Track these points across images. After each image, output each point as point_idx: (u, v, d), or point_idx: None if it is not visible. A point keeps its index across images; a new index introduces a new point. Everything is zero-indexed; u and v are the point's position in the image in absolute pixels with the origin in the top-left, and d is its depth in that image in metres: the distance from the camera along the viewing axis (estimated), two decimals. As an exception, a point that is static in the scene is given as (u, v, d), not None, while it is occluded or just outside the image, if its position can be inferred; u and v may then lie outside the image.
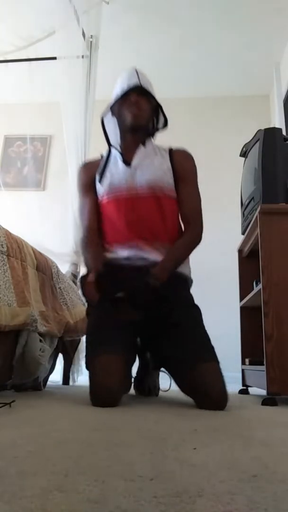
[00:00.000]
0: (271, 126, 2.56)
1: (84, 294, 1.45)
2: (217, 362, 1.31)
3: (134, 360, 1.50)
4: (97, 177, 1.58)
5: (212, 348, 1.34)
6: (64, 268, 2.38)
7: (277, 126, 2.80)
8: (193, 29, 3.42)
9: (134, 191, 1.51)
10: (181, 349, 1.31)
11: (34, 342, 1.48)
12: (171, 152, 1.61)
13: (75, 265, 2.55)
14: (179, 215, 1.59)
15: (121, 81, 1.58)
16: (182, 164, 1.59)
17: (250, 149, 2.06)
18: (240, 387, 2.13)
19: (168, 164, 1.57)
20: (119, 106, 1.58)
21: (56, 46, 2.82)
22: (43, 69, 3.58)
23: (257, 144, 1.92)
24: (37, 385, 1.70)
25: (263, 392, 1.56)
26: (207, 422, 0.99)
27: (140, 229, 1.48)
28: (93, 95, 2.78)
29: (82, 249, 1.61)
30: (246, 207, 2.08)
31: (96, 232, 1.57)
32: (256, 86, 3.99)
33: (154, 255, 1.47)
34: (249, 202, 1.99)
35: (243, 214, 2.17)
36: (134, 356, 1.49)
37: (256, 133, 2.01)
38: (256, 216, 1.73)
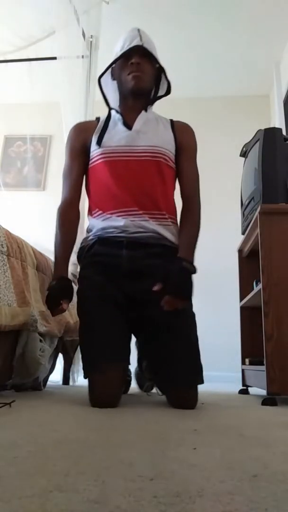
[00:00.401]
0: (271, 126, 2.56)
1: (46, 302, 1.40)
2: (200, 382, 1.29)
3: (130, 352, 1.46)
4: (94, 138, 1.46)
5: (199, 366, 1.30)
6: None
7: (277, 126, 2.80)
8: (193, 29, 3.42)
9: (135, 154, 1.42)
10: (169, 365, 1.27)
11: (34, 342, 1.48)
12: (173, 123, 1.54)
13: (75, 265, 2.55)
14: (180, 188, 1.52)
15: (122, 41, 1.47)
16: (184, 137, 1.52)
17: (250, 149, 2.06)
18: (240, 387, 2.13)
19: (170, 134, 1.50)
20: (119, 69, 1.47)
21: (56, 46, 2.82)
22: (43, 69, 3.58)
23: (257, 144, 1.92)
24: (37, 385, 1.69)
25: (263, 392, 1.56)
26: (207, 422, 0.99)
27: (139, 195, 1.39)
28: (93, 95, 2.78)
29: (56, 230, 1.46)
30: (246, 207, 2.08)
31: (74, 207, 1.49)
32: (256, 86, 3.98)
33: (153, 225, 1.38)
34: (249, 202, 1.99)
35: (243, 214, 2.17)
36: (129, 347, 1.40)
37: (256, 133, 2.01)
38: (256, 216, 1.73)
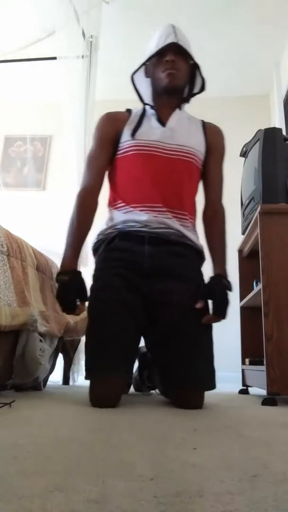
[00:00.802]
0: (271, 126, 2.56)
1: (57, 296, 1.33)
2: (213, 387, 1.28)
3: (136, 356, 1.44)
4: (126, 129, 1.43)
5: (212, 371, 1.29)
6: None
7: (277, 126, 2.80)
8: (193, 29, 3.41)
9: (167, 151, 1.40)
10: (182, 369, 1.24)
11: (34, 342, 1.48)
12: (204, 124, 1.53)
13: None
14: (205, 190, 1.53)
15: (156, 38, 1.45)
16: (214, 139, 1.51)
17: (250, 149, 2.06)
18: (240, 387, 2.13)
19: (202, 135, 1.49)
20: (153, 66, 1.45)
21: (56, 46, 2.82)
22: (43, 69, 3.59)
23: (257, 144, 1.92)
24: (37, 385, 1.69)
25: (263, 392, 1.56)
26: (207, 422, 0.99)
27: (166, 192, 1.38)
28: (93, 95, 2.78)
29: (72, 217, 1.42)
30: (246, 207, 2.08)
31: (95, 195, 1.43)
32: (256, 86, 3.99)
33: (175, 224, 1.37)
34: (249, 202, 1.99)
35: (243, 214, 2.17)
36: (136, 352, 1.39)
37: (256, 133, 2.01)
38: (256, 216, 1.73)
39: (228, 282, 1.37)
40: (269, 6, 3.14)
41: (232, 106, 3.97)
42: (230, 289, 1.36)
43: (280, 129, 1.93)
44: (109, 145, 1.45)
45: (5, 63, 3.32)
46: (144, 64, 1.48)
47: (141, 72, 1.50)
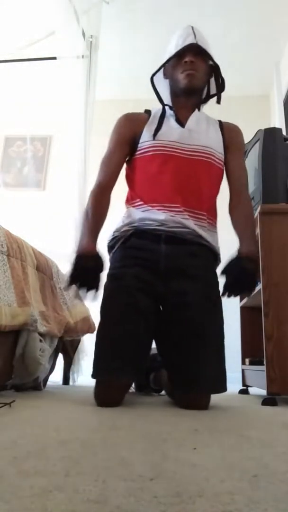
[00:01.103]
0: (271, 126, 2.56)
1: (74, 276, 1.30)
2: (224, 390, 1.27)
3: (147, 359, 1.41)
4: (146, 130, 1.44)
5: (223, 374, 1.29)
6: (64, 268, 2.38)
7: (277, 126, 2.80)
8: (193, 29, 3.42)
9: (187, 152, 1.40)
10: (194, 371, 1.24)
11: (34, 342, 1.48)
12: (221, 124, 1.55)
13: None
14: (229, 183, 1.53)
15: (176, 39, 1.45)
16: (231, 135, 1.52)
17: (250, 149, 2.06)
18: (240, 387, 2.13)
19: (219, 135, 1.50)
20: (172, 67, 1.45)
21: (56, 46, 2.82)
22: (43, 69, 3.59)
23: (257, 144, 1.92)
24: (37, 385, 1.69)
25: (263, 392, 1.56)
26: (207, 422, 0.99)
27: (184, 192, 1.38)
28: (93, 95, 2.78)
29: (85, 211, 1.42)
30: (246, 207, 2.08)
31: (107, 193, 1.44)
32: (256, 86, 3.99)
33: (192, 224, 1.37)
34: (249, 202, 1.99)
35: (243, 214, 2.16)
36: (146, 356, 1.35)
37: (256, 133, 2.01)
38: (256, 216, 1.73)
39: (251, 262, 1.35)
40: (269, 6, 3.14)
41: (232, 106, 3.96)
42: (250, 271, 1.35)
43: (280, 129, 1.93)
44: (126, 145, 1.47)
45: (5, 63, 3.32)
46: (163, 65, 1.48)
47: (160, 73, 1.50)
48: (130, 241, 1.38)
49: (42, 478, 0.46)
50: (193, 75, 1.41)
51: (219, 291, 1.38)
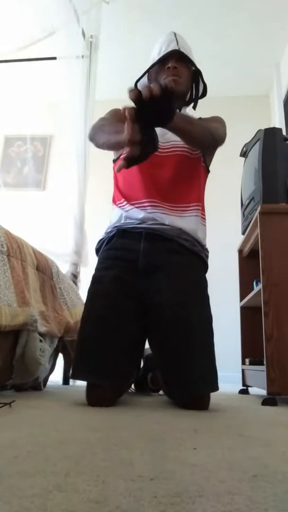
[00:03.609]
0: (271, 126, 2.56)
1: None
2: (215, 389, 1.25)
3: (137, 360, 1.42)
4: None
5: (214, 373, 1.26)
6: (64, 268, 2.38)
7: (277, 126, 2.80)
8: (193, 29, 3.42)
9: (162, 149, 1.40)
10: (184, 372, 1.21)
11: (34, 342, 1.48)
12: (200, 119, 1.54)
13: (75, 265, 2.56)
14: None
15: (159, 45, 1.48)
16: (206, 120, 1.51)
17: (250, 149, 2.06)
18: (240, 387, 2.13)
19: None
20: (156, 73, 1.48)
21: (56, 46, 2.82)
22: (43, 69, 3.59)
23: (257, 144, 1.92)
24: (37, 385, 1.69)
25: (263, 392, 1.56)
26: (207, 422, 0.99)
27: (164, 187, 1.40)
28: (93, 95, 2.78)
29: (94, 131, 1.38)
30: (246, 207, 2.08)
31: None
32: (256, 86, 3.99)
33: (173, 218, 1.37)
34: (249, 202, 2.00)
35: (243, 214, 2.17)
36: (134, 357, 1.35)
37: (256, 133, 2.02)
38: (256, 216, 1.73)
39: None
40: (269, 6, 3.14)
41: (232, 106, 3.97)
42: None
43: (280, 129, 1.93)
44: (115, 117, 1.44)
45: (5, 63, 3.32)
46: (147, 71, 1.51)
47: (144, 79, 1.52)
48: (112, 241, 1.41)
49: (42, 478, 0.46)
50: (176, 80, 1.44)
51: (204, 287, 1.37)
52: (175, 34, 1.48)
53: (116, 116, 1.45)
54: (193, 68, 1.51)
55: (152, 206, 1.38)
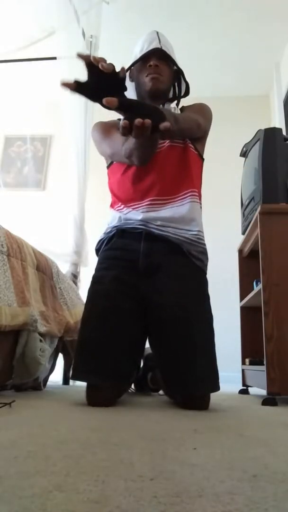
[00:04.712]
0: (271, 126, 2.56)
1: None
2: (216, 389, 1.25)
3: (136, 360, 1.41)
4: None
5: (215, 373, 1.26)
6: (64, 268, 2.38)
7: (277, 126, 2.80)
8: (193, 29, 3.42)
9: None
10: (185, 372, 1.21)
11: (34, 342, 1.48)
12: (183, 108, 1.54)
13: (75, 265, 2.56)
14: None
15: (141, 43, 1.49)
16: (187, 109, 1.51)
17: (250, 149, 2.06)
18: (240, 387, 2.13)
19: None
20: (137, 71, 1.49)
21: (56, 46, 2.82)
22: (43, 69, 3.59)
23: (257, 144, 1.92)
24: (37, 385, 1.69)
25: (263, 392, 1.56)
26: (207, 422, 0.99)
27: (158, 181, 1.40)
28: (93, 95, 2.78)
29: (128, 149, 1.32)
30: (246, 207, 2.08)
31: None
32: (256, 86, 3.99)
33: (170, 210, 1.37)
34: (249, 202, 2.00)
35: (243, 214, 2.17)
36: (134, 357, 1.34)
37: (256, 133, 2.02)
38: (256, 216, 1.73)
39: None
40: (269, 6, 3.14)
41: (232, 106, 3.97)
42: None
43: (280, 129, 1.93)
44: (114, 128, 1.45)
45: (5, 63, 3.32)
46: (129, 68, 1.51)
47: (126, 77, 1.51)
48: (112, 242, 1.42)
49: (42, 478, 0.46)
50: (157, 78, 1.44)
51: (204, 287, 1.37)
52: (157, 32, 1.49)
53: (112, 128, 1.46)
54: (175, 67, 1.51)
55: (149, 205, 1.39)
